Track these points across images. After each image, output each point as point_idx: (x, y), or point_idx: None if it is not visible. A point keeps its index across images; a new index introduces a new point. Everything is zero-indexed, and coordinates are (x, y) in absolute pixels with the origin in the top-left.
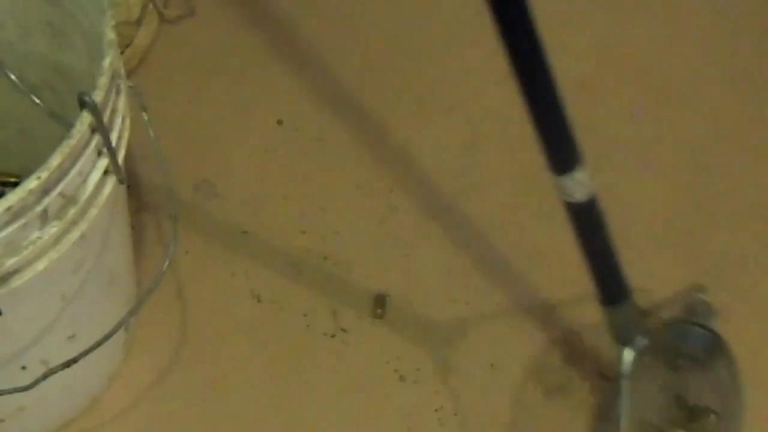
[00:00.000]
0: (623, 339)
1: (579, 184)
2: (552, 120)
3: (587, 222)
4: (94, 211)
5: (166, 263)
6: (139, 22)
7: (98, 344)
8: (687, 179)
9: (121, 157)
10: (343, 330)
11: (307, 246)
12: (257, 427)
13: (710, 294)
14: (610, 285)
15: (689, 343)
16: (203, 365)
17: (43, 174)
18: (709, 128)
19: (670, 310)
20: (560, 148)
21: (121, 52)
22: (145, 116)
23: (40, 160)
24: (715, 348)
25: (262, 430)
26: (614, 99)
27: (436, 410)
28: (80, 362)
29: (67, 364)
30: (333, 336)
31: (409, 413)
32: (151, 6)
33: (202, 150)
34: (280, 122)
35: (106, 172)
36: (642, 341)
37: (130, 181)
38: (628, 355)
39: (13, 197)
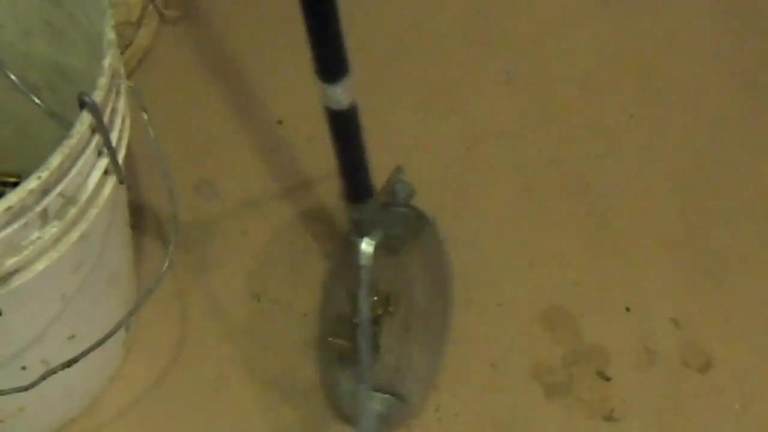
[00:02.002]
0: (363, 231)
1: (345, 93)
2: (325, 29)
3: (347, 128)
4: (94, 211)
5: (166, 263)
6: (139, 23)
7: (98, 344)
8: (687, 179)
9: (121, 157)
10: None
11: (307, 246)
12: (257, 427)
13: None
14: (359, 185)
15: (398, 226)
16: (203, 365)
17: (43, 174)
18: (709, 128)
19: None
20: (331, 58)
21: (121, 53)
22: (145, 116)
23: (40, 160)
24: (420, 224)
25: (262, 430)
26: (614, 99)
27: (435, 410)
28: (80, 362)
29: (67, 364)
30: None
31: (409, 413)
32: (151, 7)
33: (202, 150)
34: (280, 122)
35: (106, 172)
36: (378, 234)
37: (130, 181)
38: (367, 246)
39: (13, 197)
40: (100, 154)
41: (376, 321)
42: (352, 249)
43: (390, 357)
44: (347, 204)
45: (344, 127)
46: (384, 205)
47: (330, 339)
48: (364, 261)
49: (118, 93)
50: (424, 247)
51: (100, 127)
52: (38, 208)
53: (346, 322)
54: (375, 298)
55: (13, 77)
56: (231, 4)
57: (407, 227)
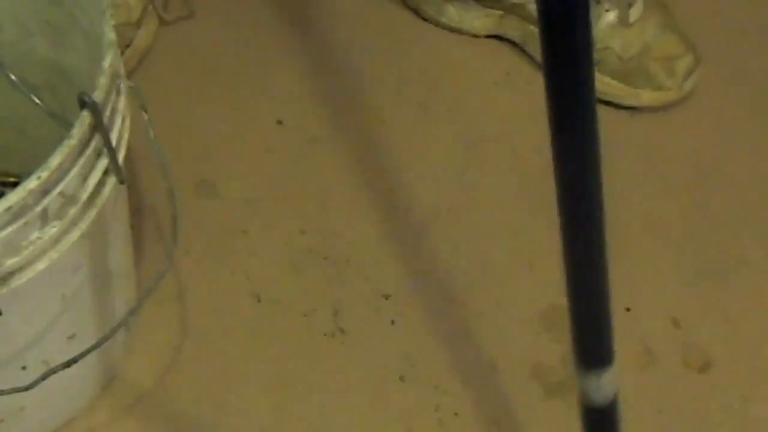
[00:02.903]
0: None
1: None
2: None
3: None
4: (94, 211)
5: (166, 263)
6: (138, 24)
7: (98, 344)
8: (687, 179)
9: (121, 157)
10: (343, 330)
11: (307, 246)
12: (257, 427)
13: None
14: None
15: None
16: (203, 365)
17: (43, 174)
18: (709, 127)
19: None
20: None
21: (121, 53)
22: (145, 116)
23: (40, 160)
24: None
25: (262, 430)
26: None
27: (435, 410)
28: (80, 362)
29: (67, 364)
30: (333, 336)
31: (409, 413)
32: (150, 7)
33: (202, 150)
34: (280, 122)
35: (106, 172)
36: None
37: (130, 181)
38: None
39: (13, 197)
40: (100, 154)
41: None
42: None
43: None
44: None
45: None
46: None
47: None
48: None
49: (118, 93)
50: None
51: (100, 127)
52: (38, 208)
53: None
54: None
55: (13, 77)
56: (230, 5)
57: None
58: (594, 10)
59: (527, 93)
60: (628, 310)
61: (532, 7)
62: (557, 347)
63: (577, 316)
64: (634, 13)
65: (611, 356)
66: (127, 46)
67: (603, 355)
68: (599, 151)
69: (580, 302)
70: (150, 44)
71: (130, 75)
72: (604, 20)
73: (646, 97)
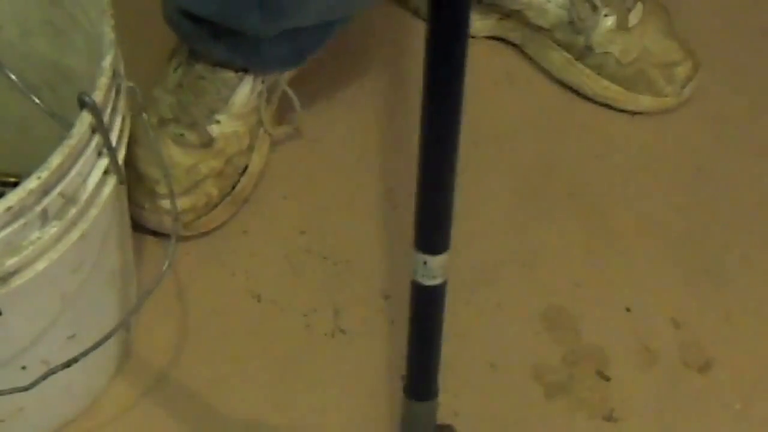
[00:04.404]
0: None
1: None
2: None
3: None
4: (94, 211)
5: (166, 263)
6: (251, 148)
7: (98, 344)
8: (687, 179)
9: (121, 157)
10: (343, 331)
11: (307, 246)
12: (257, 427)
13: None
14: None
15: None
16: (203, 365)
17: (43, 174)
18: (709, 127)
19: None
20: (437, 225)
21: (237, 182)
22: (145, 116)
23: (40, 160)
24: None
25: (262, 430)
26: None
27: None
28: (80, 362)
29: (67, 364)
30: (333, 336)
31: None
32: (261, 130)
33: None
34: (279, 123)
35: (106, 172)
36: None
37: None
38: None
39: (13, 197)
40: (100, 154)
41: None
42: None
43: None
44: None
45: (424, 308)
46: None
47: None
48: None
49: (118, 93)
50: None
51: (100, 127)
52: (38, 208)
53: None
54: None
55: (13, 77)
56: None
57: None
58: (593, 16)
59: (527, 93)
60: (628, 310)
61: (531, 13)
62: (557, 347)
63: (424, 203)
64: (633, 17)
65: (447, 245)
66: (241, 173)
67: (441, 243)
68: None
69: (428, 190)
70: (264, 167)
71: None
72: (603, 25)
73: (646, 102)
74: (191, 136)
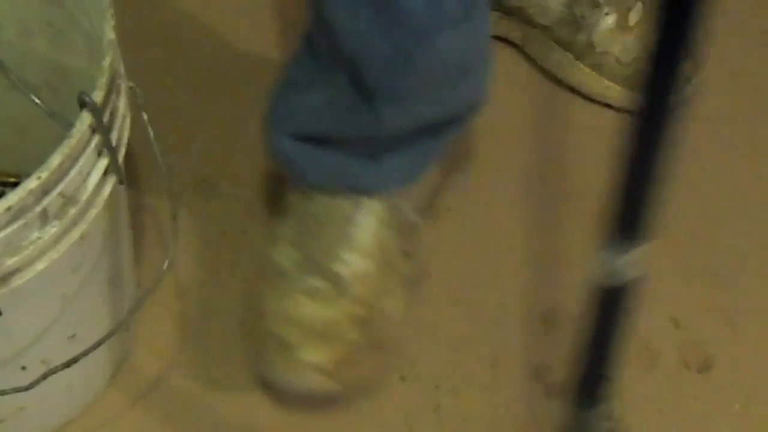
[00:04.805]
0: None
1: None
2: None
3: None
4: (94, 211)
5: (166, 263)
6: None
7: (98, 344)
8: (686, 178)
9: (121, 157)
10: None
11: None
12: (257, 427)
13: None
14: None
15: None
16: (203, 365)
17: (43, 174)
18: (709, 127)
19: None
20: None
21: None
22: (145, 116)
23: (40, 160)
24: None
25: (262, 430)
26: None
27: (435, 410)
28: (80, 362)
29: (68, 364)
30: None
31: (409, 413)
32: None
33: (202, 150)
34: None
35: (106, 172)
36: None
37: (130, 181)
38: None
39: (13, 197)
40: (100, 154)
41: None
42: None
43: None
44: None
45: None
46: None
47: None
48: None
49: (118, 93)
50: None
51: (100, 127)
52: (38, 208)
53: None
54: None
55: (13, 77)
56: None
57: None
58: (594, 13)
59: (527, 93)
60: None
61: (533, 11)
62: (558, 347)
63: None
64: (634, 16)
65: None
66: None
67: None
68: None
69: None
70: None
71: None
72: (604, 24)
73: None
74: (320, 284)
